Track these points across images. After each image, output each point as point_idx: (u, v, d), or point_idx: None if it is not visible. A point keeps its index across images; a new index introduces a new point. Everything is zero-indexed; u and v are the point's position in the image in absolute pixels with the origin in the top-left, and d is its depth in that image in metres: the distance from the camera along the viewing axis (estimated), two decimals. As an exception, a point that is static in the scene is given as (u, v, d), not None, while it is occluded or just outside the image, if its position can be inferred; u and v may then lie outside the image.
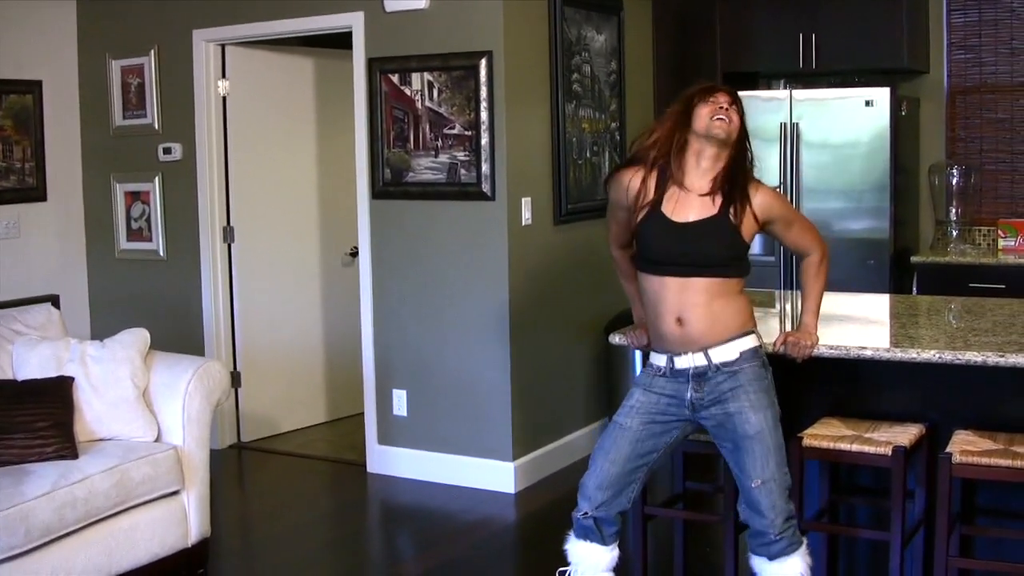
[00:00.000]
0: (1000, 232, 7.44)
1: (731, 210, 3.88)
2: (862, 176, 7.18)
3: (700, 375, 3.91)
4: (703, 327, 3.87)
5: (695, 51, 7.77)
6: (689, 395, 3.94)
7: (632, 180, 4.00)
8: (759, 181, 4.00)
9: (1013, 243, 7.36)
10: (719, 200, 3.89)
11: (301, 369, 7.96)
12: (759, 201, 3.93)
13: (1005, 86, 7.60)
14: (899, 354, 4.10)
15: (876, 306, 5.56)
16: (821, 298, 4.18)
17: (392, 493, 6.69)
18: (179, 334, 7.35)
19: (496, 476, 6.53)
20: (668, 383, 3.98)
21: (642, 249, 4.01)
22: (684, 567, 4.96)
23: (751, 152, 3.99)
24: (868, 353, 4.17)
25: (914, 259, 7.30)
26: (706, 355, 3.89)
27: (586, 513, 4.02)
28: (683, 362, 3.93)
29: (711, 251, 3.87)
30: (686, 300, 3.87)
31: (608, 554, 4.08)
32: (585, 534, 4.05)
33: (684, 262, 3.87)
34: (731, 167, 3.91)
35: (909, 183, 7.59)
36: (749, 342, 3.93)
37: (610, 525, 4.05)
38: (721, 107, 3.87)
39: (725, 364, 3.89)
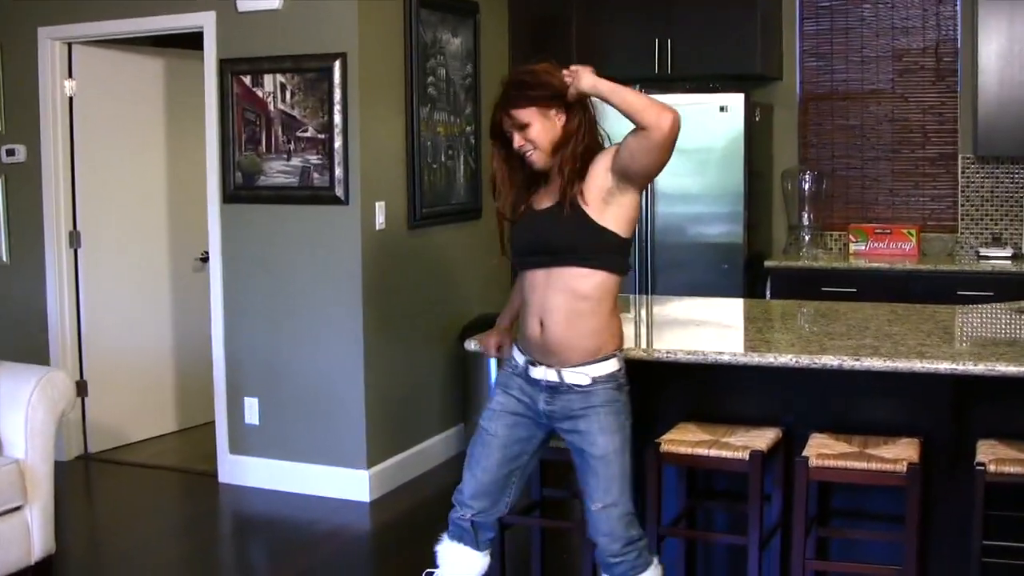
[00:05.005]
0: (851, 237, 7.55)
1: (572, 193, 3.70)
2: (717, 181, 7.21)
3: (553, 388, 3.84)
4: (562, 336, 3.75)
5: (551, 55, 7.70)
6: (542, 406, 3.87)
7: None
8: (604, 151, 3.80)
9: (863, 247, 7.48)
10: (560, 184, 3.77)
11: (150, 377, 7.78)
12: (594, 169, 3.72)
13: (856, 93, 7.72)
14: (756, 359, 4.11)
15: (731, 310, 5.59)
16: (621, 92, 3.63)
17: (244, 503, 6.56)
18: (23, 342, 7.15)
19: (350, 484, 6.44)
20: (524, 386, 3.92)
21: (511, 245, 3.93)
22: (542, 574, 4.93)
23: (589, 121, 3.80)
24: (725, 358, 4.17)
25: (767, 263, 7.36)
26: (559, 374, 3.80)
27: (464, 516, 3.98)
28: (537, 373, 3.85)
29: (560, 236, 3.72)
30: (548, 299, 3.75)
31: (480, 560, 4.03)
32: (460, 536, 4.01)
33: (539, 250, 3.77)
34: (566, 157, 3.74)
35: (762, 188, 7.66)
36: (604, 368, 3.81)
37: (487, 531, 4.02)
38: (519, 145, 3.79)
39: (577, 386, 3.80)
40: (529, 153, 3.79)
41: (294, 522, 6.21)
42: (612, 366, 3.84)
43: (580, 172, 3.73)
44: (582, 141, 3.76)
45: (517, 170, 3.89)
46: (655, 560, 3.92)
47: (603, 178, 3.71)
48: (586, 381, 3.79)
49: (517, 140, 3.79)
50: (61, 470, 5.75)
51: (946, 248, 7.51)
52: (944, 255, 7.45)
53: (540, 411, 3.88)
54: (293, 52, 6.37)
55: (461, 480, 4.04)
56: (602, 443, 3.78)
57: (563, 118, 3.77)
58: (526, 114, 3.76)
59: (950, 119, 7.51)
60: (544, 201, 3.84)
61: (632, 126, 3.59)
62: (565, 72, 3.74)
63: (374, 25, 6.38)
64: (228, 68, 6.54)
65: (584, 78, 3.68)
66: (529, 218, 3.85)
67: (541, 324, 3.79)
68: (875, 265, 7.16)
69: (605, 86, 3.64)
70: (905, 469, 3.92)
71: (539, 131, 3.76)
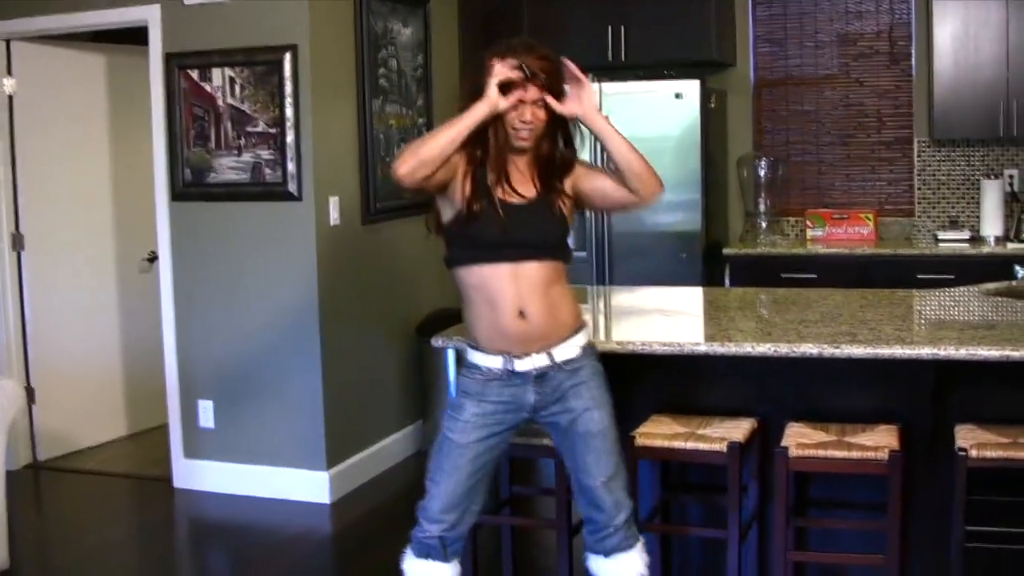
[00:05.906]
0: (808, 222, 7.51)
1: (554, 189, 3.68)
2: (673, 169, 7.10)
3: (542, 376, 3.71)
4: (545, 320, 3.65)
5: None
6: (530, 398, 3.72)
7: (459, 161, 3.66)
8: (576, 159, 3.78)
9: (821, 233, 7.45)
10: (540, 179, 3.70)
11: (100, 381, 7.59)
12: (568, 179, 3.73)
13: (810, 78, 7.68)
14: (734, 349, 4.03)
15: (695, 300, 5.51)
16: (619, 140, 3.65)
17: (201, 509, 6.41)
18: (-34, 349, 6.94)
19: (310, 486, 6.31)
20: (505, 388, 3.73)
21: (471, 235, 3.68)
22: (513, 573, 4.84)
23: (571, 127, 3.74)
24: (703, 349, 4.09)
25: (726, 251, 7.31)
26: (549, 355, 3.69)
27: (431, 534, 3.78)
28: (525, 365, 3.69)
29: (545, 232, 3.67)
30: (523, 289, 3.63)
31: (450, 571, 3.83)
32: (427, 552, 3.79)
33: (518, 243, 3.63)
34: (552, 149, 3.70)
35: (718, 175, 7.61)
36: (584, 337, 3.77)
37: (456, 542, 3.81)
38: (525, 120, 3.60)
39: (567, 362, 3.71)
40: (526, 132, 3.61)
41: (254, 527, 6.08)
42: (588, 335, 3.81)
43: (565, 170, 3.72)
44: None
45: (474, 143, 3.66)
46: (641, 537, 3.84)
47: (570, 189, 3.74)
48: (576, 352, 3.72)
49: (531, 108, 3.59)
50: (10, 480, 5.57)
51: (903, 232, 7.49)
52: (902, 239, 7.43)
53: (526, 404, 3.73)
54: (242, 45, 6.22)
55: (425, 495, 3.80)
56: (598, 417, 3.71)
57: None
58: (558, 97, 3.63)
59: (905, 103, 7.49)
60: (514, 193, 3.67)
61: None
62: (574, 76, 3.59)
63: (325, 16, 6.25)
64: (175, 62, 6.38)
65: (589, 101, 3.59)
66: (507, 210, 3.64)
67: (521, 314, 3.66)
68: (834, 250, 7.13)
69: (603, 125, 3.61)
70: (887, 456, 3.86)
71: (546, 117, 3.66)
